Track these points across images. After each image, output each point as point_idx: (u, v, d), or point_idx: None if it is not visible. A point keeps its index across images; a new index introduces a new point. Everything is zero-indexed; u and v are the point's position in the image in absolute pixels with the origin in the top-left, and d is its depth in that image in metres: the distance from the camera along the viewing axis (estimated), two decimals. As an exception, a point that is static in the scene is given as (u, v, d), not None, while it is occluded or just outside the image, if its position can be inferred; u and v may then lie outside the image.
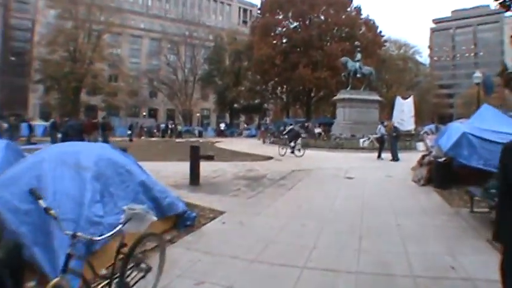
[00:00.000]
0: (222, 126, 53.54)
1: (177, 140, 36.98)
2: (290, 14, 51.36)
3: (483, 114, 13.94)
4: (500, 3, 7.94)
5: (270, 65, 48.92)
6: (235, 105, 60.32)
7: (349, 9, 52.94)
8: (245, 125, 62.91)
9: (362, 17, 53.59)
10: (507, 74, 13.78)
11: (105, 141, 20.10)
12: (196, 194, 9.17)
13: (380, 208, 8.26)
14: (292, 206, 8.38)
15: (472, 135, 11.36)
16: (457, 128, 12.45)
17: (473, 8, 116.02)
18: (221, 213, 7.33)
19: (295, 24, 51.81)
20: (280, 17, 52.01)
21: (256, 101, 60.21)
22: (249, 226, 6.62)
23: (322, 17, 51.13)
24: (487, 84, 18.97)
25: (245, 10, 78.16)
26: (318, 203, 8.82)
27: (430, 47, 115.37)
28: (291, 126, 24.88)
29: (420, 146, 25.86)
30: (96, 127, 21.38)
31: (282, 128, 38.13)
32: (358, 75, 33.47)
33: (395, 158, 18.65)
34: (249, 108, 61.56)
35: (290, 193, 10.06)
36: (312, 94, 54.14)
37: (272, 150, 23.68)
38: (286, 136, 22.91)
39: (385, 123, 22.17)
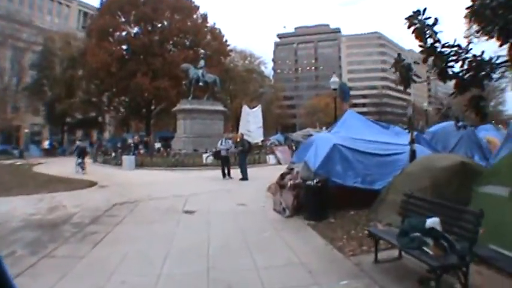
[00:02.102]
0: (46, 144, 45.00)
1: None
2: (132, 18, 46.24)
3: (348, 121, 12.06)
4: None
5: (105, 73, 43.05)
6: (68, 119, 51.79)
7: (195, 16, 49.79)
8: (77, 142, 54.31)
9: (208, 25, 50.96)
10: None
11: None
12: None
13: (236, 277, 5.10)
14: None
15: (344, 146, 9.73)
16: (325, 140, 10.05)
17: (315, 25, 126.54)
18: None
19: (137, 29, 47.05)
20: (122, 20, 46.41)
21: (92, 115, 52.83)
22: None
23: (166, 23, 47.25)
24: (344, 90, 17.38)
25: (86, 14, 68.02)
26: (134, 272, 5.32)
27: (274, 60, 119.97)
28: (77, 143, 23.90)
29: (271, 158, 23.75)
30: None
31: (118, 144, 33.09)
32: (200, 84, 30.14)
33: (244, 177, 15.51)
34: (85, 123, 53.30)
35: (95, 253, 6.27)
36: (152, 106, 49.62)
37: (99, 172, 19.87)
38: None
39: (229, 136, 19.29)
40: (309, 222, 7.96)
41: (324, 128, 44.55)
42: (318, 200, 8.38)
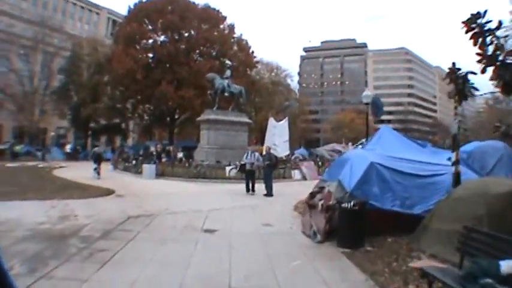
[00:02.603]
0: (68, 148, 45.16)
1: (8, 165, 28.64)
2: (159, 26, 46.21)
3: (384, 137, 11.22)
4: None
5: (130, 79, 42.88)
6: (92, 124, 51.99)
7: (222, 26, 49.51)
8: (96, 147, 54.46)
9: (235, 35, 50.66)
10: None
11: None
12: None
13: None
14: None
15: (382, 165, 8.76)
16: (361, 157, 9.12)
17: (341, 40, 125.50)
18: None
19: (163, 37, 46.95)
20: (149, 27, 46.45)
21: (116, 121, 52.93)
22: None
23: (193, 32, 47.01)
24: (377, 105, 16.38)
25: (115, 22, 68.78)
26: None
27: (299, 74, 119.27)
28: (95, 149, 24.30)
29: (296, 174, 22.83)
30: None
31: (141, 151, 32.71)
32: (226, 94, 29.48)
33: (269, 193, 14.59)
34: (109, 129, 53.56)
35: (99, 276, 5.39)
36: (176, 115, 49.37)
37: (118, 179, 19.20)
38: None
39: (255, 148, 18.40)
40: (343, 250, 7.03)
41: (350, 143, 43.33)
42: (354, 226, 7.45)
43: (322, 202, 9.14)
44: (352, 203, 7.49)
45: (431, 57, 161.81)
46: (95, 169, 20.53)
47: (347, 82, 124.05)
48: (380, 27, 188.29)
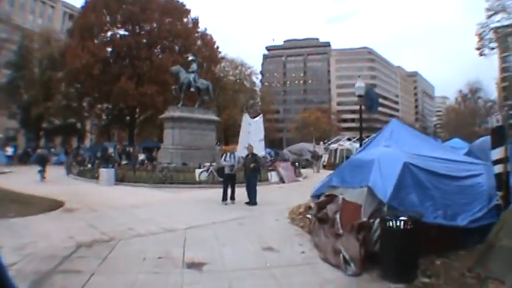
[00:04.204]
0: (10, 150, 40.51)
1: None
2: (118, 17, 42.86)
3: (397, 132, 9.48)
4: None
5: (86, 75, 39.22)
6: (45, 124, 47.54)
7: (185, 19, 46.87)
8: (52, 150, 50.05)
9: (199, 30, 48.21)
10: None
11: None
12: None
13: None
14: None
15: (416, 166, 6.99)
16: (389, 157, 7.47)
17: (304, 39, 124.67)
18: None
19: (123, 30, 43.72)
20: (107, 19, 42.80)
21: (71, 121, 48.77)
22: None
23: (155, 25, 44.07)
24: (371, 97, 14.37)
25: (72, 16, 63.58)
26: None
27: (262, 73, 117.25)
28: (39, 150, 23.48)
29: (273, 176, 20.63)
30: None
31: (99, 153, 29.57)
32: (192, 90, 26.76)
33: (253, 201, 12.24)
34: (63, 129, 49.18)
35: None
36: (137, 114, 46.29)
37: (70, 187, 16.47)
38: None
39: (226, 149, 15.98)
40: (396, 287, 4.82)
41: (321, 143, 41.67)
42: (405, 250, 5.42)
43: (338, 215, 7.01)
44: (401, 220, 5.34)
45: (392, 57, 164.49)
46: (40, 171, 19.52)
47: (310, 81, 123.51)
48: (342, 29, 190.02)
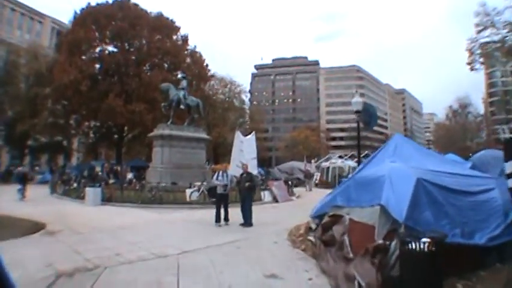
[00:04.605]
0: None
1: None
2: (107, 33, 42.38)
3: (401, 146, 8.99)
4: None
5: (74, 92, 38.39)
6: (30, 141, 46.39)
7: (175, 37, 46.75)
8: (36, 168, 48.70)
9: (188, 47, 48.05)
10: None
11: None
12: None
13: None
14: None
15: (429, 182, 6.51)
16: (401, 173, 6.98)
17: (292, 57, 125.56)
18: None
19: (112, 47, 43.27)
20: (96, 35, 42.22)
21: (58, 138, 47.92)
22: None
23: (144, 41, 43.75)
24: (370, 113, 13.90)
25: (60, 32, 62.49)
26: None
27: (251, 92, 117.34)
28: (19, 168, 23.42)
29: (266, 195, 19.97)
30: None
31: (86, 172, 28.68)
32: (182, 107, 26.22)
33: (248, 222, 11.56)
34: (49, 147, 48.08)
35: None
36: (125, 132, 45.55)
37: (54, 207, 15.61)
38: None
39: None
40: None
41: (312, 161, 41.14)
42: (430, 274, 4.81)
43: (347, 237, 6.41)
44: (423, 242, 4.77)
45: (381, 75, 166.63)
46: (19, 190, 19.33)
47: (299, 100, 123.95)
48: (329, 48, 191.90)
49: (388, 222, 5.90)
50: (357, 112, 13.82)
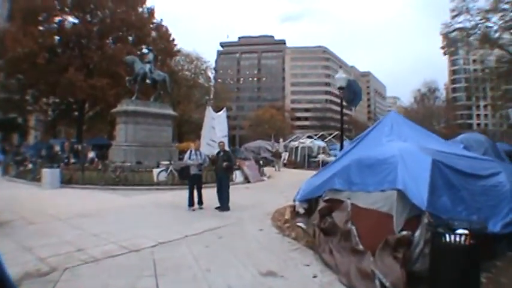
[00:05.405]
0: None
1: None
2: (68, 3, 39.13)
3: (398, 125, 8.16)
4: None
5: (30, 65, 35.32)
6: None
7: (140, 9, 44.14)
8: (-15, 148, 45.41)
9: (154, 20, 45.56)
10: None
11: None
12: None
13: None
14: None
15: (443, 164, 5.87)
16: (413, 154, 6.16)
17: (259, 36, 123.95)
18: None
19: (73, 18, 40.04)
20: (55, 2, 38.64)
21: (12, 115, 44.59)
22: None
23: (108, 12, 40.95)
24: (354, 90, 13.03)
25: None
26: None
27: (215, 69, 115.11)
28: None
29: (238, 175, 19.00)
30: None
31: (44, 151, 26.71)
32: (148, 81, 24.50)
33: (225, 206, 10.55)
34: (3, 124, 44.55)
35: None
36: (86, 109, 43.26)
37: (5, 192, 14.09)
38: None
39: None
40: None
41: (281, 140, 40.47)
42: (469, 270, 4.16)
43: (350, 225, 5.54)
44: (461, 234, 3.98)
45: (346, 57, 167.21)
46: None
47: (264, 78, 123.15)
48: (296, 28, 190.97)
49: (406, 210, 5.08)
50: (340, 88, 12.96)
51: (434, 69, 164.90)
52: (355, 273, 4.87)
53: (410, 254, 4.71)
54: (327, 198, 6.89)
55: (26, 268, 5.24)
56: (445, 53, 35.53)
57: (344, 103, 13.94)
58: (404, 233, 4.75)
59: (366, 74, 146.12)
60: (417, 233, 4.75)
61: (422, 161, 5.62)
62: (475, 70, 70.44)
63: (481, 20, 29.89)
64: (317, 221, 6.54)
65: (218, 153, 11.39)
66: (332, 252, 5.66)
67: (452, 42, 34.46)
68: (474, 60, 68.88)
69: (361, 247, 5.30)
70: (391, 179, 5.56)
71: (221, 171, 10.93)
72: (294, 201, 8.71)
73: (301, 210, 8.19)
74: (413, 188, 5.11)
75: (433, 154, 5.89)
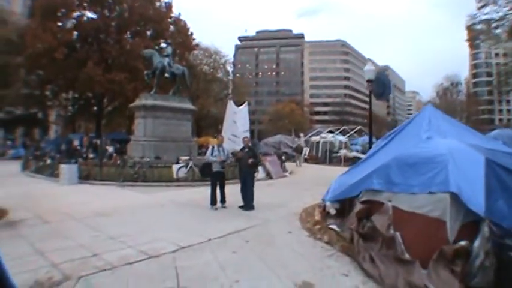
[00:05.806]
0: None
1: None
2: (87, -1, 39.47)
3: (435, 120, 7.41)
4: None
5: (49, 60, 35.32)
6: (1, 114, 43.06)
7: (158, 3, 43.93)
8: (8, 142, 45.98)
9: (172, 15, 45.20)
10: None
11: None
12: None
13: None
14: None
15: (496, 164, 5.20)
16: (464, 153, 5.51)
17: (277, 30, 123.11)
18: None
19: (91, 13, 40.08)
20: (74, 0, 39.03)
21: (33, 111, 44.52)
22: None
23: (126, 7, 40.83)
24: (384, 82, 12.37)
25: None
26: None
27: (234, 64, 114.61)
28: None
29: (260, 171, 18.34)
30: None
31: (63, 146, 26.66)
32: (166, 75, 24.03)
33: (250, 205, 9.98)
34: (22, 120, 44.91)
35: None
36: (104, 103, 43.35)
37: (22, 187, 13.82)
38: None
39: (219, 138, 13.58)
40: None
41: (301, 135, 39.80)
42: None
43: (394, 231, 4.89)
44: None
45: (365, 51, 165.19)
46: None
47: (283, 73, 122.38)
48: (314, 22, 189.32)
49: (460, 215, 4.45)
50: (368, 81, 12.28)
51: (454, 63, 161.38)
52: (401, 284, 4.27)
53: (469, 267, 4.09)
54: (364, 199, 6.29)
55: (36, 275, 4.77)
56: (470, 46, 34.09)
57: (373, 97, 13.16)
58: (462, 243, 4.13)
59: (385, 68, 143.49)
60: (476, 243, 4.13)
61: (474, 160, 5.01)
62: (497, 64, 68.43)
63: (509, 10, 28.53)
64: (355, 225, 5.94)
65: (242, 148, 10.83)
66: (374, 261, 5.06)
67: (477, 35, 33.02)
68: (497, 54, 66.70)
69: (407, 256, 4.69)
70: (440, 180, 4.94)
71: (246, 168, 10.36)
72: (323, 200, 8.14)
73: (333, 211, 7.62)
74: (468, 190, 4.51)
75: (485, 153, 5.24)
